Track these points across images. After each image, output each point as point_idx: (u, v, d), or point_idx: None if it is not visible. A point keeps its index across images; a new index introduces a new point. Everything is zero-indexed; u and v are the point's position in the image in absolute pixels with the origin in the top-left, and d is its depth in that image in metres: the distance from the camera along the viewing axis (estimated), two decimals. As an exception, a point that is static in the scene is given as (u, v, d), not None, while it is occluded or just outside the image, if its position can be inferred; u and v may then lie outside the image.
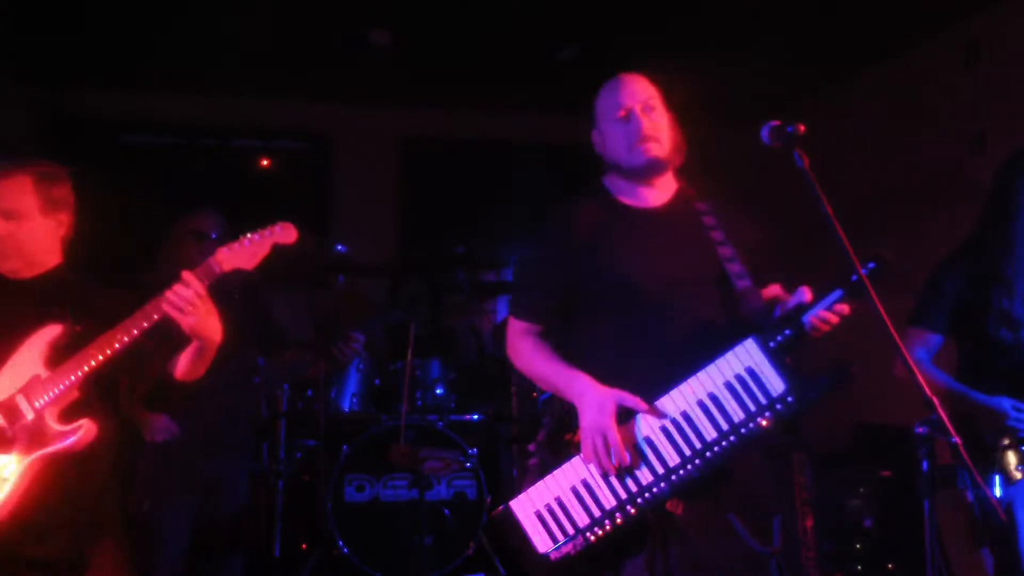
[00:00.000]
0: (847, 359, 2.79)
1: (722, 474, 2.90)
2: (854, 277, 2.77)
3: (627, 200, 3.18)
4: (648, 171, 3.14)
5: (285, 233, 3.11)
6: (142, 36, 6.24)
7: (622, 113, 3.12)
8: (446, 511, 5.71)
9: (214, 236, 4.58)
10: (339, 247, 6.61)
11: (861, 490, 5.68)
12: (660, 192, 3.21)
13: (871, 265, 2.78)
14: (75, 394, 3.09)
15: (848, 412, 6.10)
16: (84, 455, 3.09)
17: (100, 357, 3.03)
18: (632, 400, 2.88)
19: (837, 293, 2.85)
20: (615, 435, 2.85)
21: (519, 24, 6.11)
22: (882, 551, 5.53)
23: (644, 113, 3.12)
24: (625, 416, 2.91)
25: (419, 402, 6.06)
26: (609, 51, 6.45)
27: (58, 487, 3.09)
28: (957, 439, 2.71)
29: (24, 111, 6.81)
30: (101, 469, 3.22)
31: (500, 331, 6.60)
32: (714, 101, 7.08)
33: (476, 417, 6.17)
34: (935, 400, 2.69)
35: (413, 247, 7.92)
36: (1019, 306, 3.80)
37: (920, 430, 3.50)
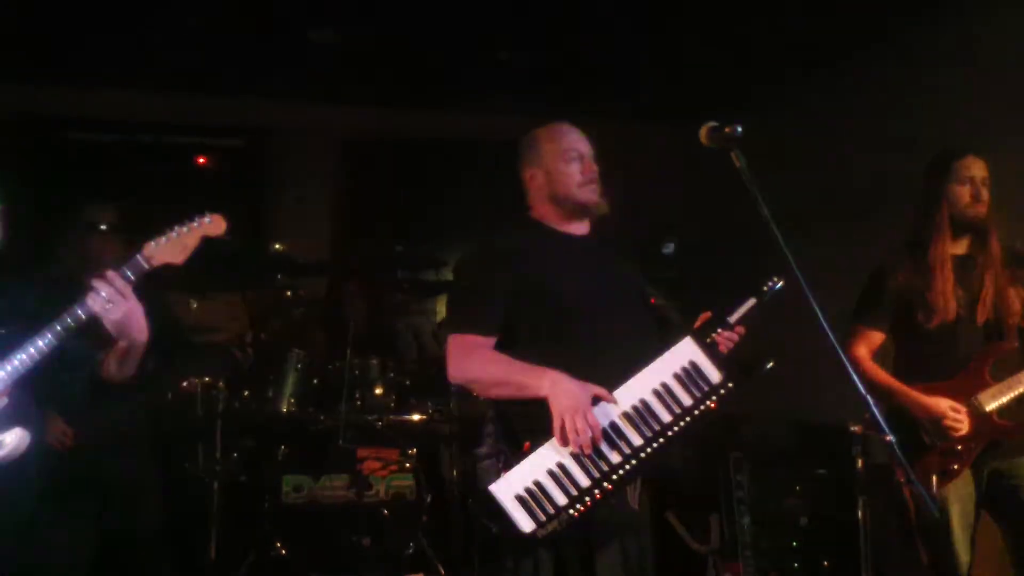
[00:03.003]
0: (768, 354, 3.13)
1: (662, 473, 3.28)
2: (765, 287, 3.25)
3: (559, 228, 3.50)
4: (590, 209, 3.48)
5: (215, 225, 3.06)
6: (78, 31, 6.14)
7: (574, 155, 3.46)
8: (385, 512, 5.67)
9: (105, 228, 4.53)
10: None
11: (797, 488, 5.73)
12: (583, 226, 3.54)
13: (779, 283, 3.23)
14: (4, 401, 2.97)
15: (784, 411, 6.15)
16: (17, 465, 2.96)
17: (29, 362, 2.94)
18: (601, 391, 3.14)
19: (751, 301, 3.26)
20: (593, 416, 3.08)
21: (459, 24, 6.10)
22: (818, 549, 5.58)
23: (591, 161, 3.48)
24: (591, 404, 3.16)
25: (358, 401, 6.01)
26: (554, 51, 6.48)
27: None
28: (890, 437, 2.76)
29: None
30: (35, 477, 3.12)
31: (439, 331, 6.61)
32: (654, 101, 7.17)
33: (416, 417, 6.14)
34: (869, 398, 2.73)
35: (352, 246, 7.86)
36: (940, 297, 3.96)
37: (855, 428, 3.56)
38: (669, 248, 6.02)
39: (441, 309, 7.50)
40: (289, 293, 6.51)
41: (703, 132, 3.03)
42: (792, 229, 2.86)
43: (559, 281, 3.31)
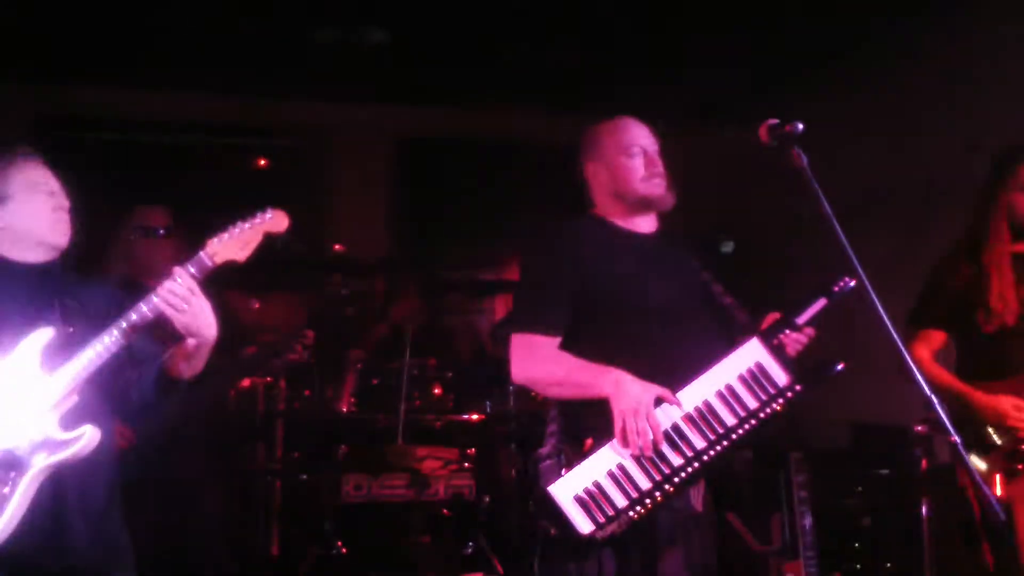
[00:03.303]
0: (838, 355, 3.04)
1: (723, 475, 3.09)
2: (835, 287, 3.09)
3: (625, 225, 3.42)
4: (656, 203, 3.41)
5: (276, 221, 3.03)
6: (140, 34, 6.22)
7: (637, 150, 3.37)
8: (444, 511, 5.69)
9: (161, 232, 4.57)
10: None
11: (859, 489, 5.67)
12: (649, 223, 3.47)
13: (851, 284, 3.04)
14: (74, 398, 3.00)
15: (846, 411, 6.09)
16: (89, 461, 2.98)
17: (98, 360, 2.96)
18: (664, 392, 3.09)
19: (821, 301, 3.13)
20: (654, 418, 3.04)
21: (516, 24, 6.10)
22: (880, 550, 5.52)
23: (655, 155, 3.40)
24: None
25: (416, 401, 6.03)
26: (608, 52, 6.46)
27: (66, 496, 3.01)
28: (956, 438, 2.72)
29: (6, 109, 6.78)
30: (107, 474, 3.17)
31: (498, 330, 6.62)
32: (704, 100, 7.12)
33: (474, 416, 6.16)
34: (934, 399, 2.69)
35: (410, 246, 7.89)
36: (999, 298, 3.90)
37: (918, 429, 3.52)
38: (728, 247, 5.99)
39: (498, 308, 7.51)
40: (347, 293, 6.56)
41: (763, 130, 3.00)
42: (849, 228, 2.83)
43: (624, 280, 3.27)
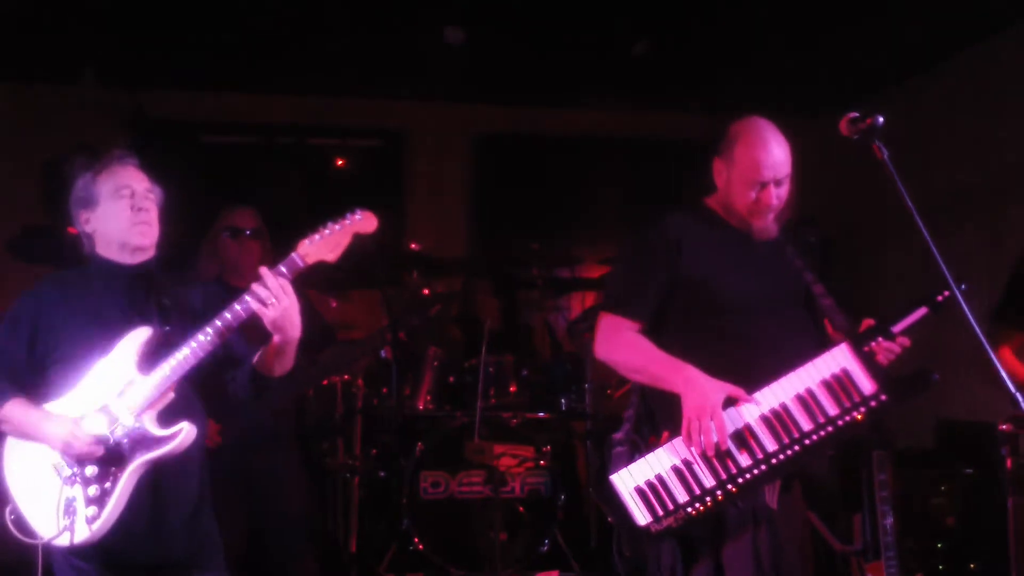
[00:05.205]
0: (928, 365, 2.96)
1: (804, 473, 3.18)
2: (939, 297, 2.98)
3: (731, 221, 3.38)
4: (754, 232, 3.34)
5: (366, 222, 3.07)
6: (218, 37, 6.31)
7: (759, 181, 3.24)
8: (521, 508, 5.71)
9: (248, 233, 4.63)
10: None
11: (943, 488, 5.58)
12: None
13: (962, 287, 2.87)
14: (170, 396, 3.06)
15: (930, 409, 5.99)
16: (184, 457, 3.06)
17: (194, 359, 3.02)
18: (737, 391, 3.08)
19: (922, 310, 3.05)
20: (721, 418, 3.03)
21: (590, 19, 6.08)
22: (965, 550, 5.43)
23: (776, 186, 3.27)
24: (725, 406, 3.10)
25: (493, 399, 6.06)
26: (685, 44, 6.41)
27: (162, 491, 3.08)
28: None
29: (104, 113, 6.91)
30: (200, 469, 3.25)
31: (574, 327, 6.62)
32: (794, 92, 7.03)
33: (550, 414, 6.16)
34: (1019, 397, 2.65)
35: (487, 244, 7.91)
36: None
37: (1004, 427, 3.45)
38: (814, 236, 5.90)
39: (575, 305, 7.51)
40: (426, 291, 6.59)
41: (843, 123, 2.99)
42: (932, 224, 2.79)
43: (719, 275, 3.27)
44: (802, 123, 3.08)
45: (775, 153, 3.25)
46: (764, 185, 3.24)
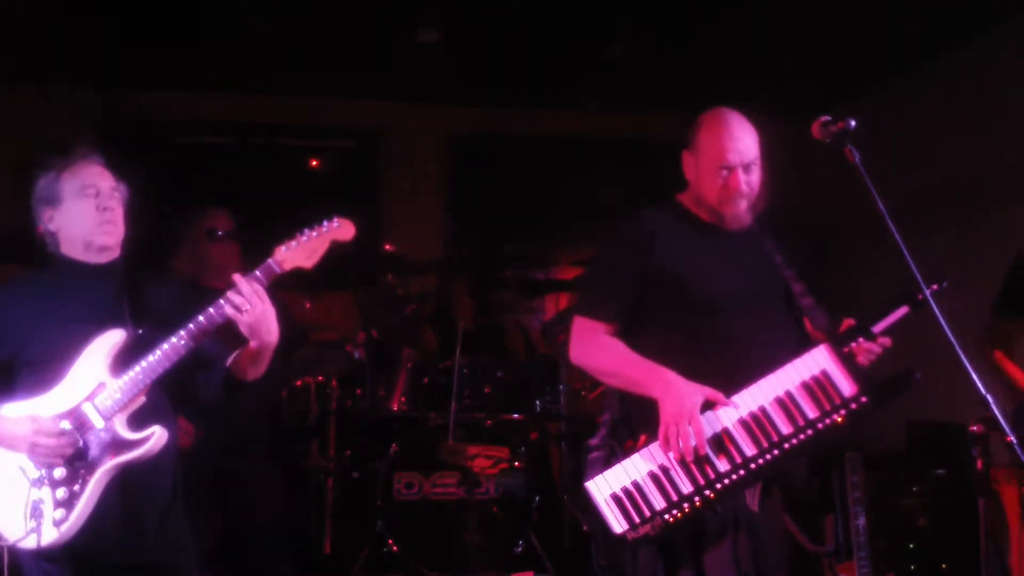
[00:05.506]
0: (910, 365, 2.92)
1: (782, 477, 3.14)
2: (920, 296, 2.89)
3: (703, 216, 3.33)
4: (727, 221, 3.28)
5: (343, 230, 3.05)
6: (190, 37, 6.27)
7: (724, 166, 3.20)
8: (495, 509, 5.71)
9: (223, 233, 4.62)
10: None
11: (915, 489, 5.60)
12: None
13: (940, 285, 2.91)
14: (142, 399, 3.04)
15: (902, 411, 6.01)
16: (157, 459, 3.04)
17: (166, 363, 2.99)
18: (715, 395, 3.04)
19: (903, 310, 3.03)
20: (699, 424, 2.98)
21: (566, 19, 6.08)
22: (936, 551, 5.45)
23: (744, 171, 3.21)
24: (703, 409, 3.05)
25: (467, 400, 6.05)
26: (662, 47, 6.40)
27: (134, 492, 3.06)
28: (1012, 437, 2.68)
29: (74, 113, 6.87)
30: (173, 471, 3.23)
31: (549, 329, 6.62)
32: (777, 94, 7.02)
33: (524, 415, 6.16)
34: (989, 397, 2.66)
35: (461, 245, 7.90)
36: None
37: (974, 428, 3.46)
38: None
39: (549, 307, 7.51)
40: (400, 292, 6.58)
41: (815, 126, 2.98)
42: (910, 226, 2.79)
43: (693, 269, 3.21)
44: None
45: (739, 137, 3.22)
46: (731, 169, 3.19)
